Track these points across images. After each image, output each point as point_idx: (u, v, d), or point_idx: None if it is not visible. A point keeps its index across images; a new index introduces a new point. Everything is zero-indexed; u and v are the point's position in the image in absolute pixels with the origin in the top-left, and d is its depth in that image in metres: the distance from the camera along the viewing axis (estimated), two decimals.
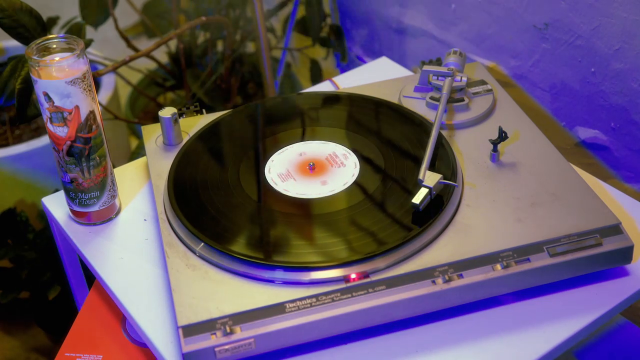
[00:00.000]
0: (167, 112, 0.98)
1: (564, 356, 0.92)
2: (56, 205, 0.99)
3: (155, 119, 1.43)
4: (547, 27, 1.15)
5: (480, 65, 1.12)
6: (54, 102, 0.86)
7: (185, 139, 1.01)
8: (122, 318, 0.96)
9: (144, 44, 1.87)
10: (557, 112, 1.21)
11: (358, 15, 1.56)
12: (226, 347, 0.76)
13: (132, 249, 0.92)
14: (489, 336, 0.81)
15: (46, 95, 0.86)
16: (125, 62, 1.21)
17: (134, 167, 1.05)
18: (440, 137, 0.96)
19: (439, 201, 0.86)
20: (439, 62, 1.10)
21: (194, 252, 0.85)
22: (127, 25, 2.24)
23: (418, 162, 0.93)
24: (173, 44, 1.97)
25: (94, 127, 0.90)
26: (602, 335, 0.95)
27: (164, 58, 2.02)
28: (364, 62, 1.59)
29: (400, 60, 1.49)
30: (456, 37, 1.33)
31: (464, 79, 1.02)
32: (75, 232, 0.95)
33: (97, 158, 0.91)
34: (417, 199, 0.85)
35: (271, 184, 0.93)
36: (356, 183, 0.92)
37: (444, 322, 0.82)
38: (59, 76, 0.85)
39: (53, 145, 0.90)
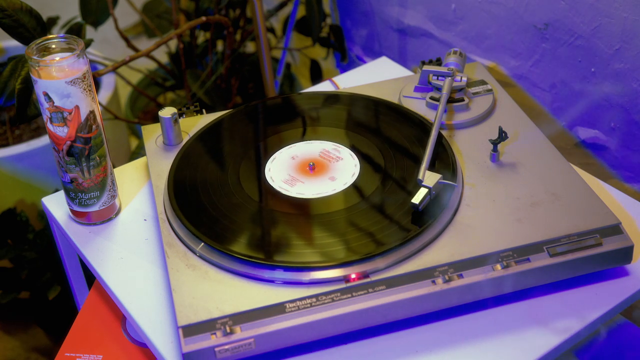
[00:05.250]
0: (167, 112, 0.98)
1: (564, 356, 0.92)
2: (56, 205, 0.99)
3: (155, 119, 1.43)
4: (547, 27, 1.15)
5: (480, 65, 1.12)
6: (54, 102, 0.86)
7: (185, 139, 1.01)
8: (122, 318, 0.96)
9: (144, 44, 1.87)
10: (557, 112, 1.21)
11: (358, 15, 1.56)
12: (226, 347, 0.76)
13: (132, 249, 0.92)
14: (489, 336, 0.81)
15: (46, 95, 0.86)
16: (125, 62, 1.21)
17: (134, 167, 1.05)
18: (440, 137, 0.96)
19: (439, 201, 0.86)
20: (439, 62, 1.10)
21: (194, 252, 0.85)
22: (127, 25, 2.24)
23: (418, 162, 0.93)
24: (173, 44, 1.98)
25: (94, 127, 0.90)
26: (602, 335, 0.95)
27: (164, 58, 2.02)
28: (364, 62, 1.59)
29: (400, 60, 1.49)
30: (456, 37, 1.33)
31: (464, 79, 1.02)
32: (75, 232, 0.95)
33: (97, 158, 0.91)
34: (417, 199, 0.85)
35: (271, 183, 0.93)
36: (356, 183, 0.92)
37: (444, 322, 0.82)
38: (59, 76, 0.85)
39: (53, 145, 0.90)
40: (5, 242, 1.51)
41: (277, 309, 0.78)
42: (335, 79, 1.20)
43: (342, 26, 1.62)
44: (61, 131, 0.88)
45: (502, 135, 0.92)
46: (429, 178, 0.86)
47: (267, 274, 0.80)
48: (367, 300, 0.79)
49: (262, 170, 0.95)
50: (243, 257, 0.81)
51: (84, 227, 0.96)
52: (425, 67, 1.04)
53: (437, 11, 1.34)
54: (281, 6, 1.72)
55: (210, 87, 1.53)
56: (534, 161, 0.94)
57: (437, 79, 1.02)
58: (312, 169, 0.94)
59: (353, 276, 0.80)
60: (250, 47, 2.04)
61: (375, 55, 1.56)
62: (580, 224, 0.84)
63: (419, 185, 0.86)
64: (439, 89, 1.02)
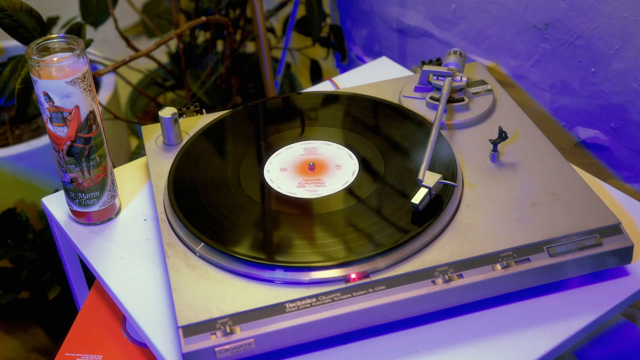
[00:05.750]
0: (167, 112, 0.98)
1: (564, 356, 0.92)
2: (56, 205, 0.99)
3: (155, 119, 1.43)
4: (547, 27, 1.15)
5: (480, 65, 1.12)
6: (54, 102, 0.86)
7: (185, 139, 1.01)
8: (122, 318, 0.96)
9: (144, 44, 1.87)
10: (557, 112, 1.21)
11: (358, 15, 1.56)
12: (226, 347, 0.76)
13: (132, 249, 0.92)
14: (489, 336, 0.81)
15: (46, 95, 0.86)
16: (125, 62, 1.21)
17: (134, 167, 1.05)
18: (440, 137, 0.96)
19: (439, 201, 0.86)
20: (439, 62, 1.10)
21: (194, 252, 0.85)
22: (127, 25, 2.24)
23: (418, 162, 0.93)
24: (173, 44, 1.97)
25: (94, 127, 0.90)
26: (602, 335, 0.95)
27: (164, 58, 2.02)
28: (364, 62, 1.59)
29: (400, 60, 1.49)
30: (456, 37, 1.33)
31: (464, 79, 1.02)
32: (75, 232, 0.95)
33: (97, 158, 0.91)
34: (417, 199, 0.85)
35: (271, 184, 0.93)
36: (356, 183, 0.92)
37: (444, 322, 0.82)
38: (59, 76, 0.85)
39: (53, 145, 0.90)
40: (5, 242, 1.51)
41: (277, 309, 0.78)
42: (335, 79, 1.20)
43: (342, 26, 1.62)
44: (61, 131, 0.88)
45: (502, 135, 0.92)
46: (429, 178, 0.86)
47: (267, 274, 0.80)
48: (367, 300, 0.79)
49: (262, 170, 0.95)
50: (243, 257, 0.81)
51: (84, 227, 0.96)
52: (425, 67, 1.03)
53: (437, 11, 1.34)
54: (281, 6, 1.72)
55: (210, 87, 1.53)
56: (534, 161, 0.94)
57: (437, 79, 1.02)
58: (312, 169, 0.94)
59: (353, 276, 0.80)
60: (250, 47, 2.04)
61: (375, 55, 1.56)
62: (580, 224, 0.84)
63: (419, 185, 0.86)
64: (439, 89, 1.02)
